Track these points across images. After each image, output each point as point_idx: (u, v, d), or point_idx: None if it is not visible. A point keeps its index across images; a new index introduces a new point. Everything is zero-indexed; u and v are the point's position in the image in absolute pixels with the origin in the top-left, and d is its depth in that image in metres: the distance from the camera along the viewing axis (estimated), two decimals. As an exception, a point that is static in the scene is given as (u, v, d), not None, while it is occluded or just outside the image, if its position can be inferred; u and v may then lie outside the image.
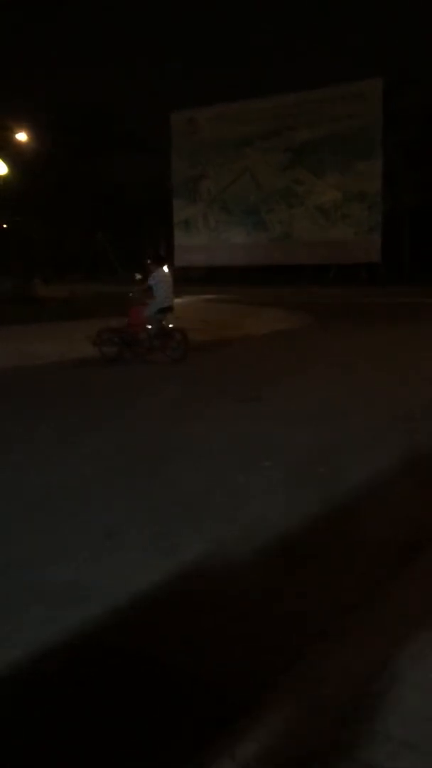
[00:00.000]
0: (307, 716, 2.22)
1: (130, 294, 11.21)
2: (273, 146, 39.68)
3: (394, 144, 37.19)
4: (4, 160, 26.74)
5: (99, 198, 46.52)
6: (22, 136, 29.94)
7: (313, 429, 6.21)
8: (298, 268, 39.57)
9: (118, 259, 43.46)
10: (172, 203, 43.82)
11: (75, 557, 3.59)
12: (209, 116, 41.66)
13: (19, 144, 30.16)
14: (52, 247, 41.89)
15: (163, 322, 10.50)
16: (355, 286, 34.00)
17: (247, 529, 3.98)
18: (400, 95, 36.58)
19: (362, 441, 5.83)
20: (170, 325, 10.63)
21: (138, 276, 11.13)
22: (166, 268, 10.69)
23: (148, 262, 10.77)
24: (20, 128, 29.81)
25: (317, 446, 5.63)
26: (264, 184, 40.71)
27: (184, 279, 42.04)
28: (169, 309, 10.57)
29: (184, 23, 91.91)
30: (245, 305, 22.60)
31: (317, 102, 37.81)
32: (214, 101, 41.66)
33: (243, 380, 9.06)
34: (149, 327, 10.39)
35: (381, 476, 4.88)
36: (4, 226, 24.97)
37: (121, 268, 43.16)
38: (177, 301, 11.29)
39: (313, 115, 37.97)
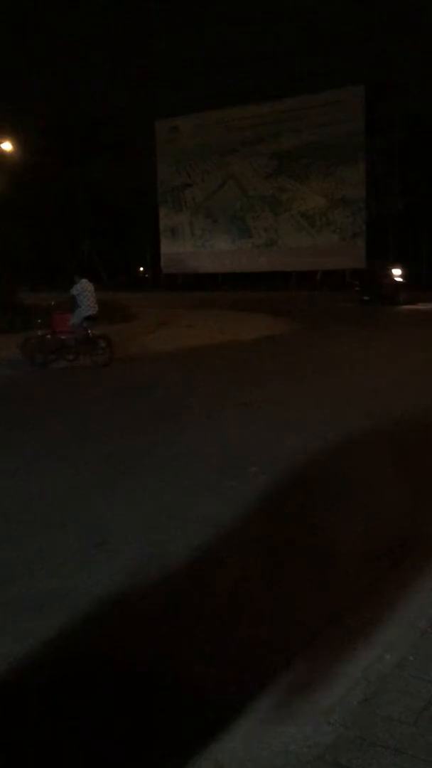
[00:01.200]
0: (293, 721, 2.22)
1: (52, 302, 12.34)
2: (257, 153, 39.89)
3: (377, 150, 37.54)
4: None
5: (85, 205, 46.52)
6: (6, 146, 29.87)
7: (299, 434, 6.23)
8: (283, 274, 39.74)
9: (104, 267, 43.45)
10: (157, 210, 43.91)
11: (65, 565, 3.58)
12: (193, 124, 41.83)
13: (2, 152, 30.09)
14: (39, 254, 41.81)
15: (89, 330, 11.24)
16: (340, 291, 34.16)
17: (233, 535, 3.99)
18: (381, 101, 36.94)
19: (344, 444, 5.86)
20: (91, 333, 11.32)
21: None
22: (86, 280, 11.50)
23: (74, 274, 11.80)
24: (5, 137, 29.74)
25: (303, 451, 5.64)
26: (249, 191, 40.90)
27: (170, 287, 42.21)
28: (93, 317, 11.38)
29: (169, 30, 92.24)
30: (231, 311, 22.65)
31: (300, 109, 38.07)
32: (198, 109, 41.86)
33: (235, 385, 9.08)
34: (73, 334, 11.21)
35: (365, 480, 4.91)
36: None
37: (107, 275, 43.16)
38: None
39: (296, 122, 38.23)
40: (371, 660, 2.55)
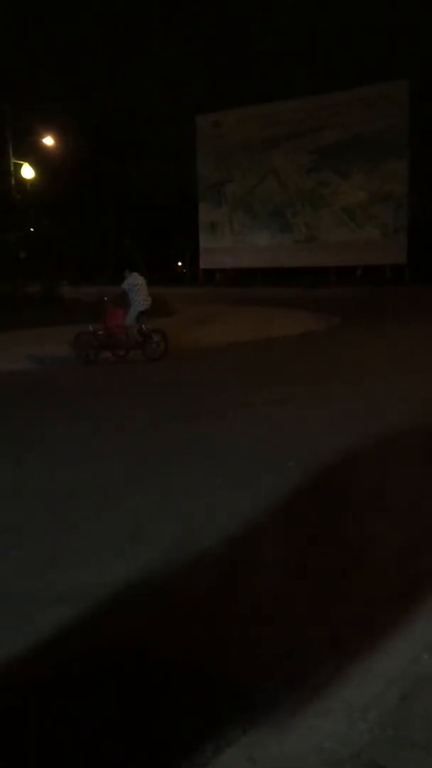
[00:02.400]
0: (328, 718, 2.20)
1: (105, 298, 12.02)
2: (298, 148, 39.62)
3: (421, 145, 36.93)
4: (32, 165, 27.03)
5: (125, 201, 46.82)
6: (48, 141, 30.24)
7: (337, 432, 6.17)
8: (323, 269, 39.42)
9: (144, 263, 43.70)
10: (197, 206, 43.97)
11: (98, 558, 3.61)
12: (234, 119, 41.75)
13: (45, 148, 30.47)
14: (79, 250, 42.27)
15: (143, 325, 11.13)
16: (380, 286, 33.74)
17: (266, 529, 3.97)
18: (427, 97, 36.33)
19: (383, 444, 5.78)
20: (145, 327, 11.21)
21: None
22: (137, 274, 11.35)
23: (124, 269, 11.55)
24: (47, 132, 30.12)
25: (341, 449, 5.59)
26: (289, 186, 40.67)
27: (208, 282, 42.24)
28: (146, 312, 11.21)
29: (209, 26, 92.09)
30: (270, 307, 22.56)
31: (343, 104, 37.72)
32: (240, 104, 41.77)
33: (274, 382, 9.04)
34: (131, 329, 11.08)
35: (403, 482, 4.83)
36: (31, 229, 25.23)
37: (147, 271, 43.39)
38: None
39: (339, 116, 37.88)
40: (409, 659, 2.51)
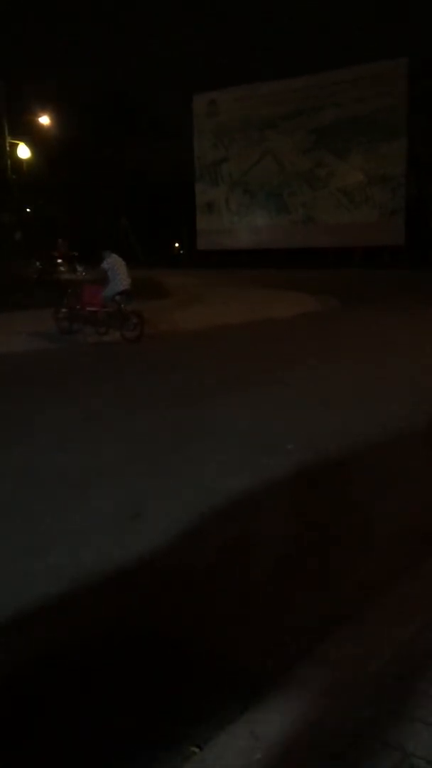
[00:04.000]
0: (331, 694, 2.23)
1: (83, 274, 12.47)
2: (296, 128, 39.27)
3: (419, 126, 36.64)
4: (28, 145, 26.79)
5: (122, 182, 46.44)
6: (45, 120, 29.93)
7: (335, 414, 6.19)
8: (320, 251, 39.23)
9: (141, 243, 43.40)
10: (194, 187, 43.65)
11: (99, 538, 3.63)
12: (231, 98, 41.32)
13: (42, 128, 30.16)
14: (76, 231, 41.98)
15: (122, 305, 11.31)
16: (377, 268, 33.63)
17: (265, 510, 4.00)
18: (425, 76, 35.96)
19: (382, 425, 5.80)
20: (125, 307, 11.42)
21: (80, 270, 12.14)
22: (116, 255, 11.57)
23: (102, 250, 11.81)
24: (43, 112, 29.80)
25: (340, 431, 5.61)
26: (287, 166, 40.37)
27: (204, 264, 42.06)
28: (127, 293, 11.42)
29: (207, 5, 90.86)
30: (267, 289, 22.49)
31: (341, 83, 37.33)
32: (236, 83, 41.32)
33: (270, 363, 9.04)
34: (106, 308, 11.35)
35: (403, 464, 4.86)
36: (27, 210, 25.06)
37: (143, 251, 43.14)
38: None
39: (336, 96, 37.52)
40: (407, 638, 2.54)
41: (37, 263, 22.87)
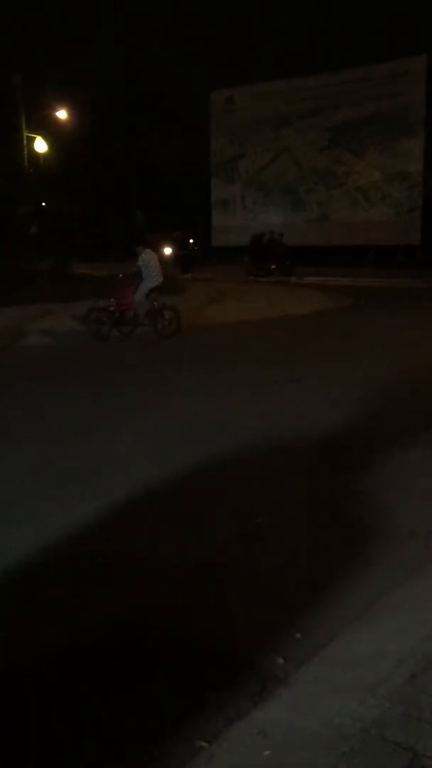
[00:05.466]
0: (339, 694, 2.23)
1: (120, 275, 12.16)
2: (313, 125, 39.08)
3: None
4: (45, 139, 26.85)
5: (138, 177, 46.42)
6: (62, 114, 29.99)
7: (347, 410, 6.18)
8: (334, 249, 39.03)
9: (156, 240, 43.30)
10: (209, 183, 43.58)
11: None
12: (249, 95, 41.20)
13: (59, 122, 30.22)
14: (91, 225, 42.07)
15: (155, 302, 11.20)
16: (392, 268, 33.43)
17: (276, 501, 4.00)
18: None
19: (393, 421, 5.79)
20: (157, 303, 11.29)
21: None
22: (149, 251, 11.39)
23: (137, 245, 11.59)
24: (60, 106, 29.85)
25: (349, 425, 5.60)
26: (303, 164, 40.20)
27: (219, 260, 41.96)
28: (158, 288, 11.27)
29: (225, 0, 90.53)
30: (281, 286, 22.48)
31: (359, 80, 37.10)
32: (254, 80, 41.20)
33: (285, 360, 9.03)
34: (141, 306, 11.14)
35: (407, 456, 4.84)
36: (43, 204, 25.11)
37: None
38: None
39: (354, 94, 37.29)
40: (419, 638, 2.53)
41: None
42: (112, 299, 11.25)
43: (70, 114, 30.85)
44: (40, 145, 26.60)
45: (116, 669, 2.55)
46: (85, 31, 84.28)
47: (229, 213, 43.27)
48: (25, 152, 25.11)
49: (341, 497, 4.16)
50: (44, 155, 27.71)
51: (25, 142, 25.13)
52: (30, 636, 2.77)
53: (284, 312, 14.85)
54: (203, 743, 2.13)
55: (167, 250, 28.09)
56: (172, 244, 29.18)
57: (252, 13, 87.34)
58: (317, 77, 38.64)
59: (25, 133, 25.21)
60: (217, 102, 42.42)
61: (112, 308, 11.18)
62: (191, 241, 51.38)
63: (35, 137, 26.32)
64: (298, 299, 17.53)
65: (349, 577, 3.18)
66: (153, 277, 11.13)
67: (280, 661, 2.55)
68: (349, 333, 12.13)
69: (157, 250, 11.61)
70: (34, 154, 26.71)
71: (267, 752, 1.99)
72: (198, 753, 2.08)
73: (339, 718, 2.11)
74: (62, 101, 30.61)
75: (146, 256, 11.18)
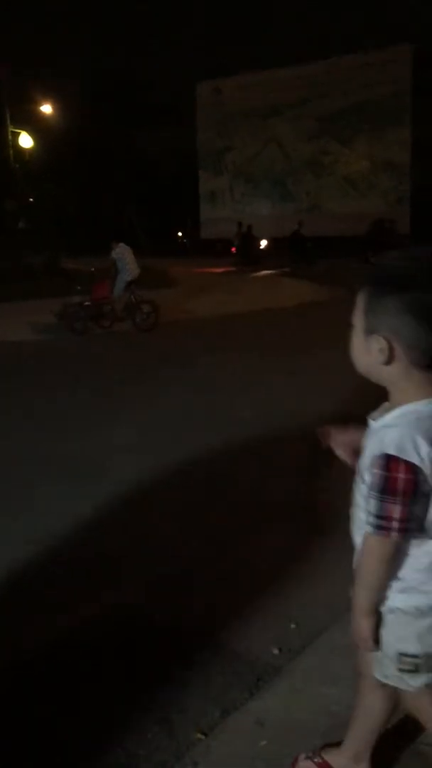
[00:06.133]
0: (335, 683, 2.23)
1: (92, 269, 12.36)
2: (300, 115, 38.98)
3: (425, 111, 36.30)
4: (30, 133, 26.69)
5: (128, 170, 46.16)
6: (47, 108, 29.81)
7: (337, 403, 6.18)
8: (325, 239, 39.00)
9: (145, 231, 43.24)
10: (197, 175, 43.44)
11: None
12: (235, 86, 41.02)
13: (44, 116, 30.03)
14: (84, 219, 41.87)
15: (132, 296, 11.19)
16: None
17: (259, 495, 4.00)
18: (430, 62, 35.60)
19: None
20: (133, 298, 11.29)
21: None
22: (123, 244, 11.36)
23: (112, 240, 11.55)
24: (45, 100, 29.66)
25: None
26: (291, 154, 40.13)
27: (209, 252, 41.85)
28: (134, 282, 11.28)
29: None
30: (272, 277, 22.44)
31: (345, 69, 37.01)
32: (241, 70, 41.00)
33: (275, 352, 9.02)
34: (119, 300, 11.15)
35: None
36: (30, 200, 25.01)
37: (147, 239, 42.99)
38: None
39: (341, 83, 37.21)
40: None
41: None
42: (87, 295, 11.32)
43: (57, 108, 30.67)
44: (26, 141, 26.46)
45: (111, 664, 2.55)
46: (70, 23, 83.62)
47: (217, 205, 43.17)
48: (10, 149, 24.95)
49: (336, 488, 4.15)
50: (30, 150, 27.57)
51: (9, 137, 24.97)
52: (21, 632, 2.76)
53: (271, 304, 14.80)
54: (200, 735, 2.13)
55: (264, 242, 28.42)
56: None
57: (237, 2, 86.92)
58: (304, 67, 38.52)
59: (10, 129, 25.05)
60: (204, 93, 42.24)
61: (87, 303, 11.22)
62: (179, 234, 51.10)
63: (20, 132, 26.17)
64: (287, 290, 17.50)
65: (343, 568, 3.17)
66: (129, 271, 11.18)
67: (276, 651, 2.55)
68: (338, 323, 12.10)
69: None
70: (19, 150, 26.57)
71: (264, 742, 2.00)
72: (194, 745, 2.08)
73: (335, 707, 2.12)
74: (48, 95, 30.42)
75: (120, 250, 11.24)
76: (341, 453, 1.64)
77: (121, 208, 43.37)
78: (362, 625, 1.51)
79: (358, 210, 37.96)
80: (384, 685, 1.63)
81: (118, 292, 11.16)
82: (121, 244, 11.36)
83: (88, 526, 3.67)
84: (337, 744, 1.86)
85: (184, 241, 51.47)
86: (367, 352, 1.45)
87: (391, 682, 1.57)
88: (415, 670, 1.52)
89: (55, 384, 7.59)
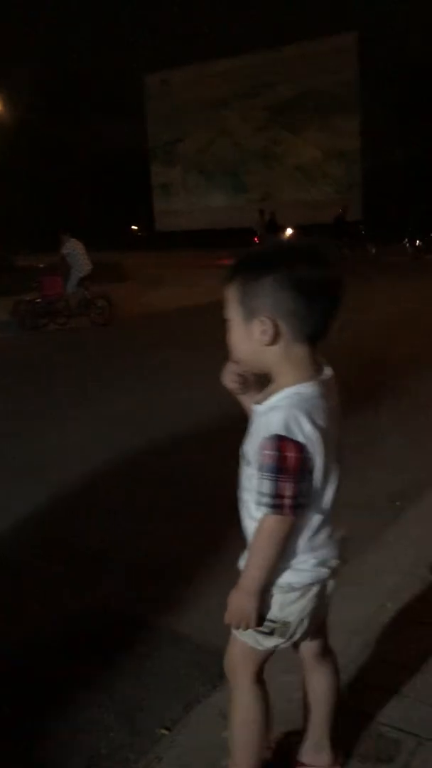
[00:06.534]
0: (297, 669, 2.24)
1: (41, 265, 12.00)
2: (250, 105, 39.00)
3: (374, 99, 36.63)
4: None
5: (79, 164, 45.60)
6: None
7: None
8: (279, 228, 39.13)
9: (101, 226, 42.80)
10: (149, 168, 43.15)
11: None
12: (183, 77, 40.82)
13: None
14: (38, 215, 41.28)
15: (86, 291, 11.09)
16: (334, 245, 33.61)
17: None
18: (379, 50, 35.91)
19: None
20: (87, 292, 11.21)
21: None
22: (75, 239, 11.27)
23: (60, 233, 11.40)
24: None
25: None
26: (242, 144, 40.13)
27: (164, 245, 41.68)
28: (87, 277, 11.21)
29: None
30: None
31: (293, 58, 37.10)
32: (189, 61, 40.76)
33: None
34: (73, 295, 11.06)
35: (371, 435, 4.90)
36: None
37: (100, 233, 42.52)
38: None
39: (288, 72, 37.29)
40: (373, 607, 2.57)
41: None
42: (37, 292, 11.17)
43: (3, 103, 30.06)
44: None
45: (69, 663, 2.52)
46: (13, 15, 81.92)
47: (171, 197, 42.97)
48: None
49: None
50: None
51: None
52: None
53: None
54: (163, 731, 2.12)
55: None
56: None
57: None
58: (250, 56, 38.48)
59: None
60: (152, 85, 41.94)
61: (38, 300, 11.03)
62: (134, 227, 50.63)
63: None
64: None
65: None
66: (81, 266, 11.08)
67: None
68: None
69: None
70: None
71: (227, 735, 1.99)
72: (159, 741, 2.07)
73: (297, 693, 2.12)
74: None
75: (71, 245, 11.10)
76: (230, 383, 1.67)
77: (74, 203, 42.87)
78: (250, 603, 1.53)
79: (310, 198, 38.20)
80: (322, 661, 1.77)
81: (71, 288, 11.02)
82: (73, 239, 11.20)
83: (48, 521, 3.62)
84: (298, 732, 1.86)
85: (139, 233, 50.99)
86: (249, 339, 1.50)
87: (242, 638, 1.63)
88: (270, 633, 1.59)
89: (8, 383, 7.46)
